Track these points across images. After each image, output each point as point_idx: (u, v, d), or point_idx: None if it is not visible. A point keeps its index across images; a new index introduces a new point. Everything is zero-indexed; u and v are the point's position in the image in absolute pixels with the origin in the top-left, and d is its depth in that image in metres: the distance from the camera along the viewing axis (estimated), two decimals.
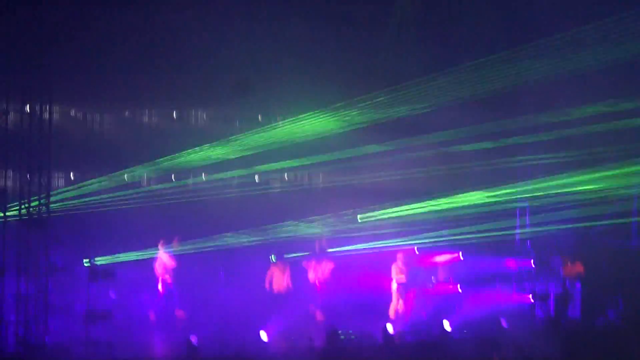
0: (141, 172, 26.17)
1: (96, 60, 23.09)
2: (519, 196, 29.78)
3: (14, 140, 20.27)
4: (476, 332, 24.34)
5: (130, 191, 26.24)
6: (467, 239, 29.45)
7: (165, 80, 24.37)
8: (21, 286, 19.93)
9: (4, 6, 19.93)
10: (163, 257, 25.48)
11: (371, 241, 28.96)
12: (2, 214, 19.86)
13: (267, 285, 26.14)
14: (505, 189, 28.82)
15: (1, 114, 20.86)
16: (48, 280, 20.56)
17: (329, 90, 24.18)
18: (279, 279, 26.07)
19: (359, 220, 28.92)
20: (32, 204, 20.29)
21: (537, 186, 28.66)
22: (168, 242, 25.80)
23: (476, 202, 28.79)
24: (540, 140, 27.18)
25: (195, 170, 26.88)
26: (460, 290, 27.64)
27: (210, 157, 26.11)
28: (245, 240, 28.05)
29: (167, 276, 25.40)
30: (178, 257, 25.71)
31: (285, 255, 26.91)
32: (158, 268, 25.46)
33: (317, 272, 26.76)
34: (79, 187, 25.26)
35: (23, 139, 20.24)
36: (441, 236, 29.84)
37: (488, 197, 28.84)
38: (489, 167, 28.22)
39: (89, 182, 25.43)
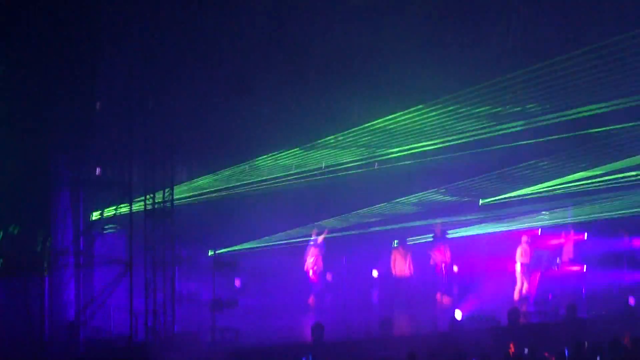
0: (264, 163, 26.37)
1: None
2: None
3: (138, 134, 20.65)
4: (603, 311, 24.00)
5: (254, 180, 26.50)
6: (593, 218, 29.06)
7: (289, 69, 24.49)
8: (149, 277, 20.35)
9: None
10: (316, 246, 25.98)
11: (494, 224, 28.82)
12: (128, 208, 20.27)
13: (392, 270, 26.27)
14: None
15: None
16: (175, 271, 20.97)
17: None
18: (401, 264, 26.18)
19: (480, 204, 28.78)
20: (157, 198, 20.70)
21: None
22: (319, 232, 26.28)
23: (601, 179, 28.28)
24: None
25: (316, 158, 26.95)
26: (585, 270, 27.27)
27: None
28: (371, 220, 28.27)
29: (316, 265, 25.85)
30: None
31: (408, 240, 26.98)
32: (310, 256, 25.93)
33: (440, 257, 26.76)
34: (201, 180, 25.62)
35: (147, 133, 20.64)
36: (566, 217, 29.50)
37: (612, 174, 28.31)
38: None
39: (210, 175, 25.77)
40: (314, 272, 25.96)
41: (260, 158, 25.77)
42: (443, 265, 26.81)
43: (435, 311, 24.53)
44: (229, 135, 25.11)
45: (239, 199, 26.31)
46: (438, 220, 27.60)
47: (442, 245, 26.87)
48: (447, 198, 28.95)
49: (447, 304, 25.88)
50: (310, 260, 26.10)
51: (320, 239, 26.30)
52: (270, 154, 25.74)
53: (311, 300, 25.68)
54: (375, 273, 22.58)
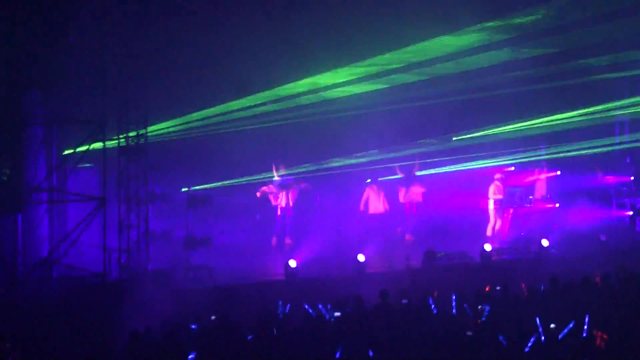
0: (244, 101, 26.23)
1: None
2: (617, 112, 29.38)
3: (112, 71, 20.50)
4: (575, 248, 24.19)
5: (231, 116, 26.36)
6: (565, 156, 29.19)
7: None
8: (122, 215, 20.34)
9: None
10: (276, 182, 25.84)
11: (467, 161, 28.90)
12: (101, 144, 20.15)
13: (362, 207, 26.35)
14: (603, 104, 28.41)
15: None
16: (148, 208, 20.94)
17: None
18: (374, 201, 26.25)
19: (453, 140, 28.85)
20: (131, 134, 20.62)
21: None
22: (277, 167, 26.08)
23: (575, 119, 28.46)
24: None
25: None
26: (557, 207, 27.43)
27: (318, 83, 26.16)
28: (342, 163, 28.26)
29: (283, 201, 25.67)
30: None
31: (380, 178, 27.02)
32: (272, 192, 25.78)
33: (408, 195, 26.83)
34: (177, 118, 25.50)
35: (120, 70, 20.49)
36: (539, 154, 29.63)
37: (586, 113, 28.47)
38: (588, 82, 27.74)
39: (184, 116, 25.65)
40: (284, 208, 25.72)
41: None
42: (411, 203, 26.86)
43: (408, 248, 24.60)
44: (200, 76, 24.87)
45: (213, 138, 26.19)
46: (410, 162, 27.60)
47: (412, 184, 26.88)
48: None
49: (409, 241, 26.04)
50: (281, 196, 25.82)
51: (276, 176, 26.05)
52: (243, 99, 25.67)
53: (287, 241, 25.58)
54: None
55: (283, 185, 25.49)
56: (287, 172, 26.06)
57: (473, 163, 28.78)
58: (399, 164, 27.35)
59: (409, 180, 26.93)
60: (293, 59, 24.40)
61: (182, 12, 22.69)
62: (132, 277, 19.79)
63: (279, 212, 25.59)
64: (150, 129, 21.43)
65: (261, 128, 26.71)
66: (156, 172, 21.61)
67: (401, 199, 26.96)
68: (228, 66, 24.10)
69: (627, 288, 18.30)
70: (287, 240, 25.37)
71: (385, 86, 27.04)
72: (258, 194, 25.68)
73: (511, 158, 28.92)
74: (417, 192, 26.83)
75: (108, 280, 19.49)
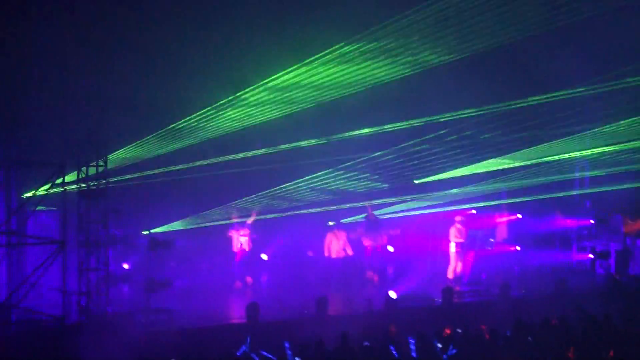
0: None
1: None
2: (576, 155, 29.62)
3: (71, 114, 20.50)
4: (535, 290, 24.33)
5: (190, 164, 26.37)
6: (526, 200, 29.40)
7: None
8: (82, 257, 20.22)
9: None
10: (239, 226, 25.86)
11: (429, 204, 29.03)
12: (62, 188, 20.07)
13: (325, 252, 26.36)
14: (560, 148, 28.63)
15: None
16: (108, 251, 20.84)
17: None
18: (335, 246, 26.26)
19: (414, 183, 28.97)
20: (91, 173, 20.53)
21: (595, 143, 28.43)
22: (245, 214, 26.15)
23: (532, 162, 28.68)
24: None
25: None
26: (518, 250, 27.62)
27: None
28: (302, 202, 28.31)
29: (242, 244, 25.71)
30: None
31: (342, 220, 27.09)
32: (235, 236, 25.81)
33: (370, 241, 26.88)
34: (137, 160, 25.43)
35: (80, 114, 20.51)
36: (500, 197, 29.84)
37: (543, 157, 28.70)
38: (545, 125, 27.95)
39: (148, 155, 25.57)
40: (241, 253, 25.74)
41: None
42: (373, 249, 26.91)
43: (370, 291, 24.61)
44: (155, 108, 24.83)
45: (172, 179, 26.15)
46: (367, 203, 27.65)
47: (374, 229, 26.93)
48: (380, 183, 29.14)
49: (376, 281, 26.08)
50: (240, 241, 25.86)
51: (250, 220, 26.11)
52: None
53: (248, 279, 25.55)
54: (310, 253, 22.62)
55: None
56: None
57: (435, 205, 28.90)
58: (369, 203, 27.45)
59: (371, 223, 26.98)
60: None
61: (140, 54, 22.67)
62: (92, 320, 19.61)
63: (238, 257, 25.63)
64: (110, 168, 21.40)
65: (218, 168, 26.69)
66: (117, 215, 21.51)
67: (364, 242, 27.00)
68: (186, 105, 24.12)
69: (586, 330, 18.40)
70: (249, 280, 25.37)
71: None
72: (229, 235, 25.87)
73: (474, 201, 29.08)
74: (378, 238, 26.89)
75: (67, 323, 19.31)
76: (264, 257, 26.24)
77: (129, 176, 25.20)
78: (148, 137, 25.00)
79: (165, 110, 24.33)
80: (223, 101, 24.37)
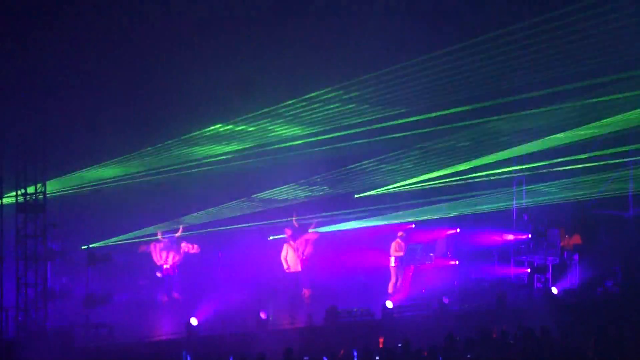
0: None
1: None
2: (515, 168, 29.92)
3: (9, 129, 20.24)
4: (475, 304, 24.51)
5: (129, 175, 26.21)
6: (465, 213, 29.60)
7: None
8: (20, 272, 19.98)
9: None
10: (163, 242, 25.69)
11: (368, 218, 29.08)
12: None
13: (285, 266, 26.14)
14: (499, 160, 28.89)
15: None
16: (47, 266, 20.61)
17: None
18: (292, 259, 26.01)
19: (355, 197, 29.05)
20: (29, 191, 20.30)
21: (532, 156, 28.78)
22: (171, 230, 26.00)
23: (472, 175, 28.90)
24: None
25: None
26: (457, 264, 27.78)
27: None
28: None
29: (168, 260, 25.57)
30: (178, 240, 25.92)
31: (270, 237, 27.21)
32: (157, 253, 25.66)
33: (298, 251, 26.78)
34: (75, 174, 25.20)
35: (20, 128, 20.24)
36: (439, 211, 29.97)
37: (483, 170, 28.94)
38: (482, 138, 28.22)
39: (86, 169, 25.37)
40: (170, 267, 25.65)
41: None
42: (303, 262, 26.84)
43: (311, 306, 24.62)
44: (98, 131, 24.67)
45: (111, 193, 25.97)
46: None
47: (299, 240, 26.85)
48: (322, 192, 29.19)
49: (307, 297, 26.06)
50: (164, 256, 25.75)
51: (177, 234, 26.02)
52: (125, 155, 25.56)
53: (175, 295, 25.45)
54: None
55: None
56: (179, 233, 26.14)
57: (375, 219, 28.96)
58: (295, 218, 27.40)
59: (297, 234, 26.92)
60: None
61: (82, 68, 22.51)
62: (30, 336, 19.39)
63: (163, 271, 25.53)
64: (50, 183, 21.16)
65: (162, 183, 26.55)
66: (55, 229, 21.26)
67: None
68: (129, 121, 23.99)
69: (526, 344, 18.54)
70: (176, 295, 25.31)
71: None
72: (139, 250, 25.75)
73: (413, 214, 29.20)
74: (307, 247, 26.82)
75: (4, 339, 19.08)
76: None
77: (67, 190, 25.01)
78: (90, 167, 24.98)
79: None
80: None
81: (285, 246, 26.33)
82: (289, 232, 26.47)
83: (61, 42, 21.03)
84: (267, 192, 28.31)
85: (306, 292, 26.31)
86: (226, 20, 22.55)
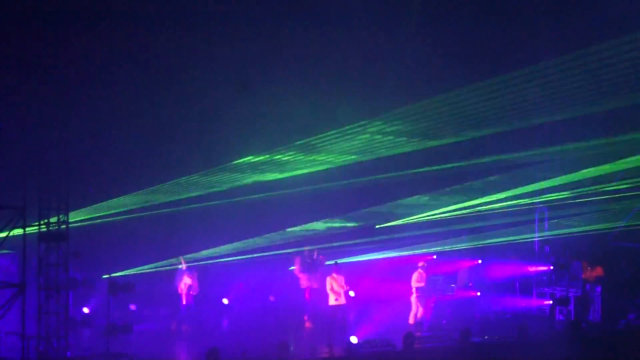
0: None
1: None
2: (537, 200, 29.90)
3: (33, 157, 20.38)
4: (497, 336, 24.39)
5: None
6: (487, 244, 29.57)
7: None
8: (41, 301, 20.05)
9: None
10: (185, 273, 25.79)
11: (391, 249, 29.11)
12: (22, 230, 19.93)
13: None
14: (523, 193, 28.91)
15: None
16: (68, 295, 20.67)
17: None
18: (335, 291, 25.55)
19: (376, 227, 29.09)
20: (51, 220, 20.41)
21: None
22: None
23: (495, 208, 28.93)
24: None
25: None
26: (479, 296, 27.71)
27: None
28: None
29: (190, 290, 25.68)
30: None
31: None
32: (180, 283, 25.78)
33: (306, 282, 26.73)
34: (98, 204, 25.38)
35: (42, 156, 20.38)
36: (461, 242, 29.97)
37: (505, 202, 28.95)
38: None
39: (108, 200, 25.54)
40: (188, 296, 25.74)
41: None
42: (308, 290, 26.79)
43: (331, 335, 24.53)
44: (122, 161, 24.84)
45: (135, 223, 26.12)
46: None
47: (312, 271, 26.80)
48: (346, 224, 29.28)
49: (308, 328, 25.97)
50: (184, 285, 25.83)
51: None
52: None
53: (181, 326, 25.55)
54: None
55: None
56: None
57: (396, 250, 28.99)
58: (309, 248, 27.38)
59: (312, 266, 26.87)
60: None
61: (100, 101, 22.67)
62: None
63: (183, 301, 25.59)
64: (72, 213, 21.27)
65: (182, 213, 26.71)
66: (77, 257, 21.34)
67: (302, 283, 26.91)
68: (147, 155, 24.16)
69: None
70: (184, 328, 25.43)
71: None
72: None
73: (434, 245, 29.22)
74: (313, 280, 26.77)
75: None
76: (225, 301, 26.11)
77: (89, 219, 25.17)
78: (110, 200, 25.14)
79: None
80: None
81: (328, 279, 24.84)
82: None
83: (85, 76, 21.23)
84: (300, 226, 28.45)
85: (307, 324, 26.28)
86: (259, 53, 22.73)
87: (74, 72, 20.60)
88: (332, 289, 24.46)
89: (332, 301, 24.35)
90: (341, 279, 24.52)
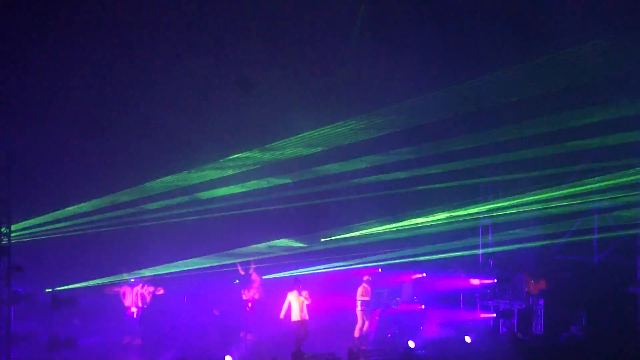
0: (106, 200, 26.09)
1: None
2: (482, 215, 30.11)
3: None
4: (440, 349, 24.48)
5: (94, 217, 26.19)
6: (431, 258, 29.70)
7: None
8: None
9: None
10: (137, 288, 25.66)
11: (335, 262, 29.13)
12: None
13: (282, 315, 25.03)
14: (468, 208, 29.11)
15: None
16: (10, 309, 20.43)
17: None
18: (295, 309, 25.18)
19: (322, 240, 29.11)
20: None
21: (498, 205, 28.99)
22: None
23: (439, 222, 29.07)
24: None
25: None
26: (423, 309, 27.81)
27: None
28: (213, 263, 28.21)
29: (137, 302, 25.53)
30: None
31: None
32: (127, 296, 25.62)
33: (248, 294, 26.71)
34: (40, 217, 25.12)
35: None
36: (405, 256, 30.07)
37: (451, 216, 29.12)
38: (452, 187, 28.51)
39: (51, 213, 25.31)
40: (139, 310, 25.60)
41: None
42: (249, 303, 26.74)
43: (277, 349, 24.48)
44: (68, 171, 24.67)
45: (78, 237, 25.90)
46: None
47: (251, 283, 26.79)
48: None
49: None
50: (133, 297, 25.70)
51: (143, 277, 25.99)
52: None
53: (134, 339, 25.35)
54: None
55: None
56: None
57: (341, 263, 29.04)
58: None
59: (248, 279, 26.88)
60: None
61: (47, 112, 22.51)
62: None
63: (129, 313, 25.46)
64: (14, 227, 21.04)
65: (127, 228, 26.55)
66: (20, 272, 21.10)
67: (244, 296, 26.84)
68: (94, 165, 24.01)
69: None
70: (137, 341, 25.22)
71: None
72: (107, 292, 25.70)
73: (380, 259, 29.30)
74: (257, 291, 26.77)
75: None
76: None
77: (31, 232, 24.91)
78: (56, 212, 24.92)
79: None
80: None
81: (288, 295, 24.64)
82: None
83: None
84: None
85: (250, 337, 26.26)
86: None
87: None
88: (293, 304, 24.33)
89: (295, 317, 24.26)
90: (305, 293, 24.41)
